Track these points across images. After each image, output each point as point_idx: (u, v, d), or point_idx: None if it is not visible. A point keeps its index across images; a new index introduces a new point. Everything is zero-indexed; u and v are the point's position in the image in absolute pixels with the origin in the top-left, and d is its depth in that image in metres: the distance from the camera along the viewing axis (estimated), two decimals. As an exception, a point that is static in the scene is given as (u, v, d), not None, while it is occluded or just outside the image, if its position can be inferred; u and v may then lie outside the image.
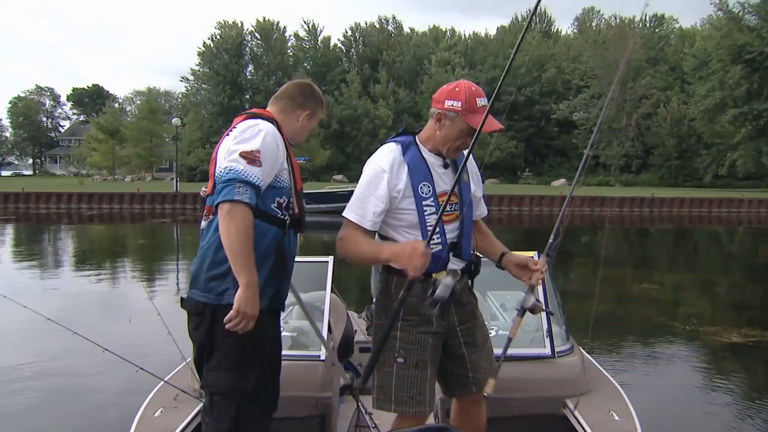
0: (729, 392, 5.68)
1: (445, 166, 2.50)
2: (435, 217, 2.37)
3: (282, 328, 2.64)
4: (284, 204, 2.36)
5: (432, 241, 2.34)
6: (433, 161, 2.48)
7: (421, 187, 2.41)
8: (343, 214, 2.44)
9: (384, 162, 2.43)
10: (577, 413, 3.04)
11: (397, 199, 2.41)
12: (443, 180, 2.47)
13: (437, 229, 2.34)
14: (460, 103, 2.38)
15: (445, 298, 2.28)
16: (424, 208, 2.41)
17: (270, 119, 2.40)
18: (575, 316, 8.82)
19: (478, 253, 2.64)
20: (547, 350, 3.33)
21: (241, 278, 2.15)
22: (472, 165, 2.62)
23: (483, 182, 2.77)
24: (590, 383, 3.43)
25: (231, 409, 2.28)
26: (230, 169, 2.18)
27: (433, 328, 2.46)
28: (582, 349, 3.82)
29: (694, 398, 5.53)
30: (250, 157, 2.20)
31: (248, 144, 2.23)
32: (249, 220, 2.16)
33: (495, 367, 2.54)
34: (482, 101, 2.41)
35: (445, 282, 2.30)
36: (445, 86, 2.49)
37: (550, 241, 2.31)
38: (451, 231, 2.46)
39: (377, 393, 2.51)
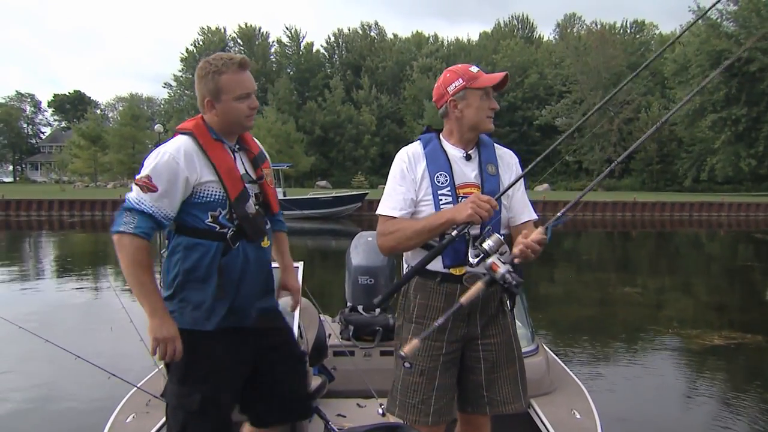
0: (706, 393, 5.75)
1: (468, 158, 2.44)
2: (452, 207, 2.31)
3: None
4: (221, 216, 2.26)
5: (447, 233, 2.25)
6: (454, 153, 2.43)
7: (437, 177, 2.37)
8: (378, 212, 2.41)
9: (404, 155, 2.44)
10: (540, 412, 3.11)
11: (417, 189, 2.39)
12: (465, 172, 2.42)
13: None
14: (459, 79, 2.39)
15: (489, 253, 2.14)
16: (440, 197, 2.35)
17: (186, 132, 2.28)
18: (557, 320, 8.89)
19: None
20: None
21: (143, 307, 2.13)
22: (506, 158, 2.57)
23: None
24: (555, 383, 3.51)
25: (178, 424, 2.28)
26: (126, 198, 2.17)
27: (445, 336, 2.38)
28: (548, 350, 3.89)
29: (670, 399, 5.57)
30: (141, 184, 2.16)
31: (142, 170, 2.19)
32: (137, 249, 2.14)
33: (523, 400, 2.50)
34: (474, 68, 2.43)
35: (494, 237, 2.16)
36: (436, 86, 2.48)
37: (558, 214, 2.24)
38: (474, 226, 2.26)
39: (389, 395, 2.49)
